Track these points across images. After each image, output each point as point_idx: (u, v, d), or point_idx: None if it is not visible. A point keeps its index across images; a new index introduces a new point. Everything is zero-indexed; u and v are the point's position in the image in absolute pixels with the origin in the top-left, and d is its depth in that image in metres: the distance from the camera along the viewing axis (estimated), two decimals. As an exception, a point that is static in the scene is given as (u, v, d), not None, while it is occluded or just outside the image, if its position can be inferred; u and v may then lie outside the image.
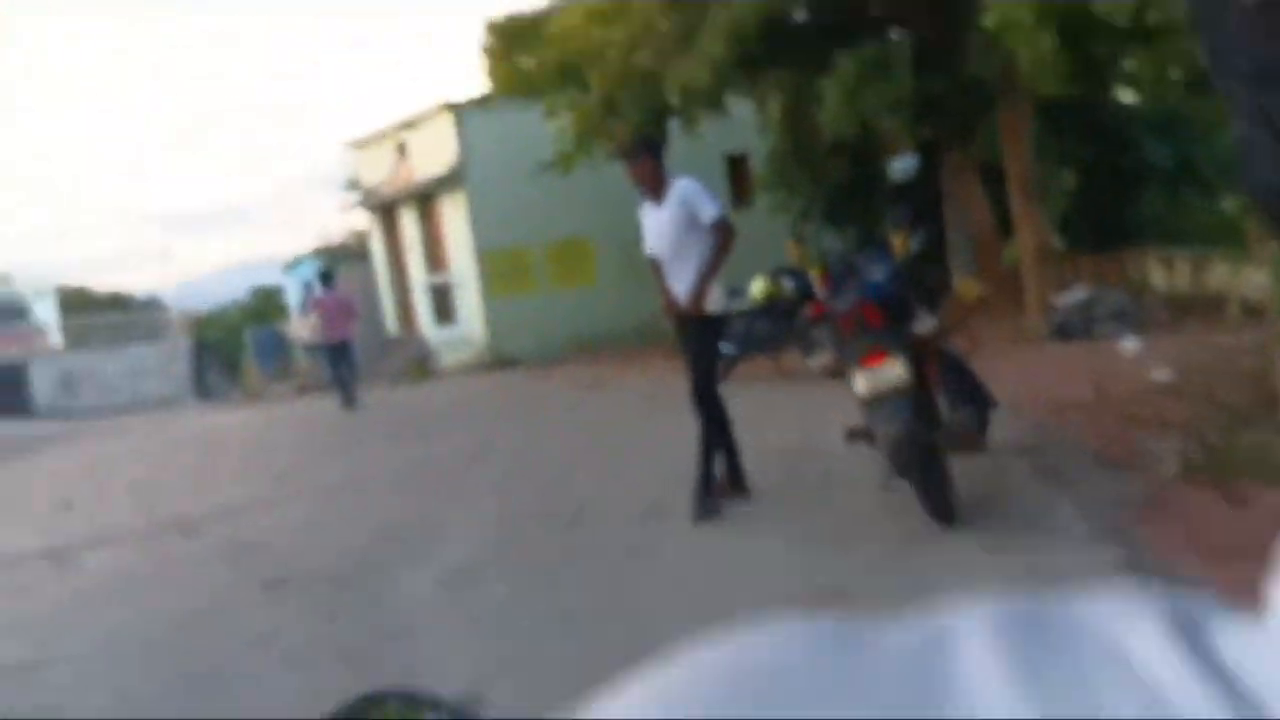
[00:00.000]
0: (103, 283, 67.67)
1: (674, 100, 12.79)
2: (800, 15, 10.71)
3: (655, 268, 6.32)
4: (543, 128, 17.03)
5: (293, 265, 23.68)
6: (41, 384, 32.21)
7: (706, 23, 11.06)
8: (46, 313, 52.56)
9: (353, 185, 24.71)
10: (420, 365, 20.37)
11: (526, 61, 15.90)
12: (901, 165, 5.67)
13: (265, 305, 35.74)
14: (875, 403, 5.03)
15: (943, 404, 5.38)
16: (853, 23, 10.17)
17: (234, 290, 53.66)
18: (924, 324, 5.26)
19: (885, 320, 5.12)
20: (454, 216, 19.59)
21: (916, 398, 4.98)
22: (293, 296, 23.76)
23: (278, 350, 23.00)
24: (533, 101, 18.21)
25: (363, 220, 23.62)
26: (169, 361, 40.45)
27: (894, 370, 4.98)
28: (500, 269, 19.37)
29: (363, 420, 14.38)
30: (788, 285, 11.92)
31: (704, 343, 6.18)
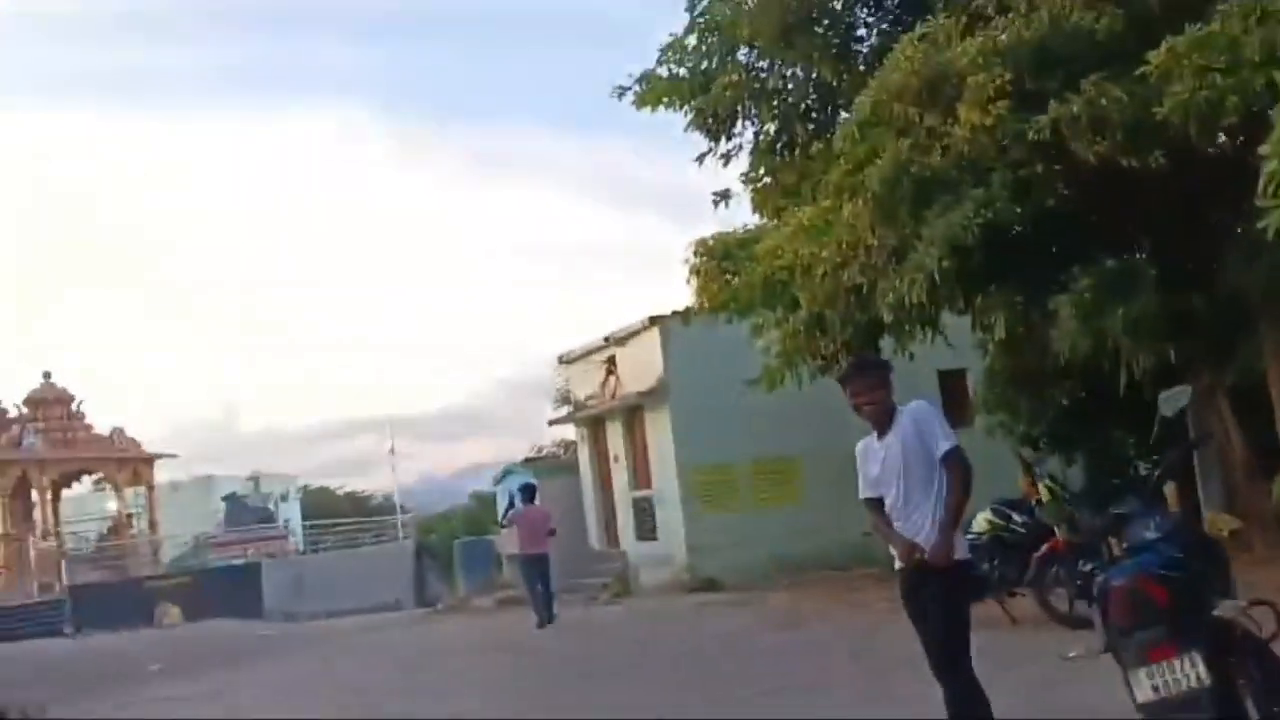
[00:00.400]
0: (345, 483, 70.51)
1: (886, 317, 11.87)
2: (1026, 229, 9.70)
3: (875, 512, 5.32)
4: (748, 343, 16.41)
5: (502, 475, 23.55)
6: (271, 586, 33.02)
7: (924, 235, 10.19)
8: (291, 513, 55.09)
9: (563, 399, 24.79)
10: (621, 582, 19.50)
11: (733, 279, 15.47)
12: (1174, 397, 4.43)
13: (483, 511, 35.89)
14: (1164, 708, 3.77)
15: (1251, 707, 4.03)
16: (1088, 238, 9.10)
17: (461, 493, 54.94)
18: (1226, 605, 3.99)
19: (1174, 600, 3.91)
20: (659, 432, 19.02)
21: (1221, 703, 3.71)
22: (501, 506, 23.51)
23: (484, 560, 22.62)
24: (738, 317, 17.67)
25: (571, 433, 23.40)
26: (395, 565, 41.18)
27: (1192, 669, 3.75)
28: (704, 486, 18.55)
29: (553, 644, 13.47)
30: (1016, 519, 10.56)
31: (954, 601, 5.14)
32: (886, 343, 14.47)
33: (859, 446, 5.44)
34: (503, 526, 17.24)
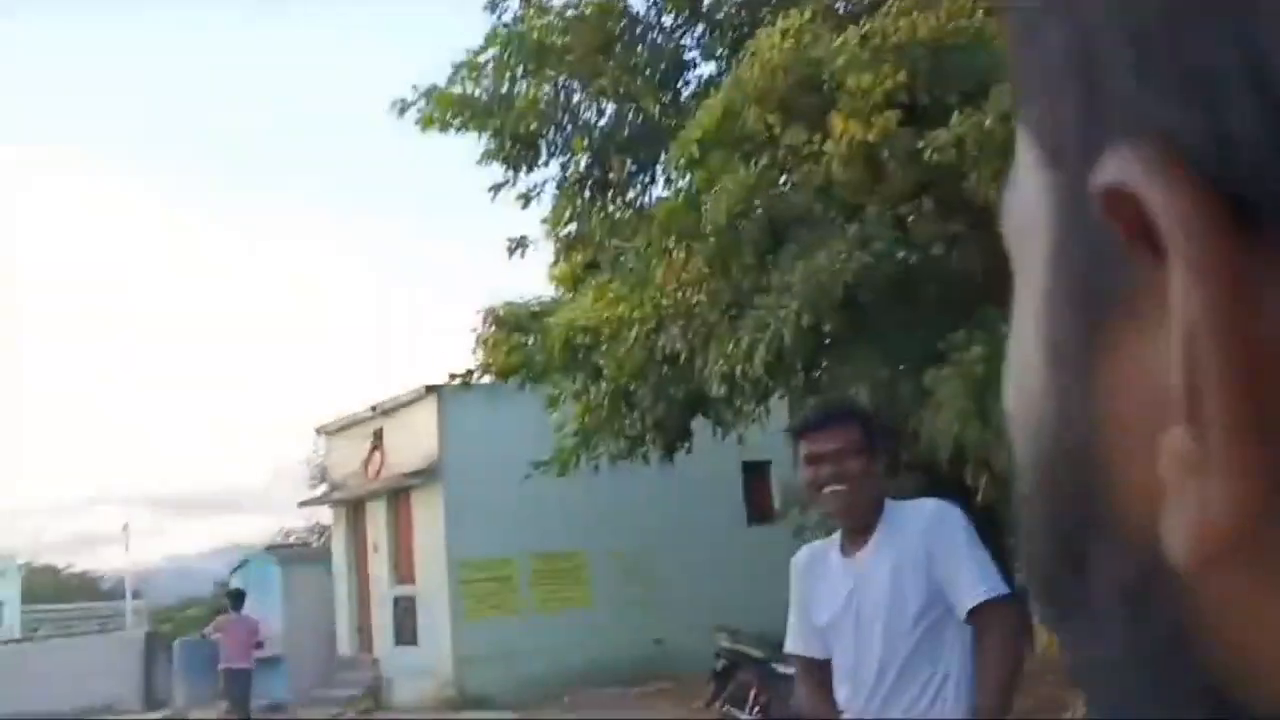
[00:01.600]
0: (73, 562, 62.89)
1: (714, 389, 9.50)
2: (906, 279, 7.49)
3: (807, 682, 2.90)
4: (536, 421, 13.81)
5: (239, 564, 19.81)
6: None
7: (774, 284, 7.88)
8: (8, 593, 47.82)
9: (319, 476, 21.40)
10: (372, 696, 16.18)
11: (526, 347, 12.95)
12: None
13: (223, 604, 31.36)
14: None
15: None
16: (984, 295, 6.93)
17: (211, 578, 49.08)
18: None
19: None
20: (428, 518, 16.01)
21: None
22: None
23: (210, 665, 18.71)
24: (531, 384, 15.02)
25: (328, 516, 19.99)
26: (120, 659, 35.56)
27: None
28: (476, 583, 15.58)
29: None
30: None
31: None
32: (701, 424, 12.19)
33: (799, 557, 2.91)
34: (204, 635, 15.01)
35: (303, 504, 20.55)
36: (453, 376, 13.61)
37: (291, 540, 25.88)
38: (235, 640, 13.86)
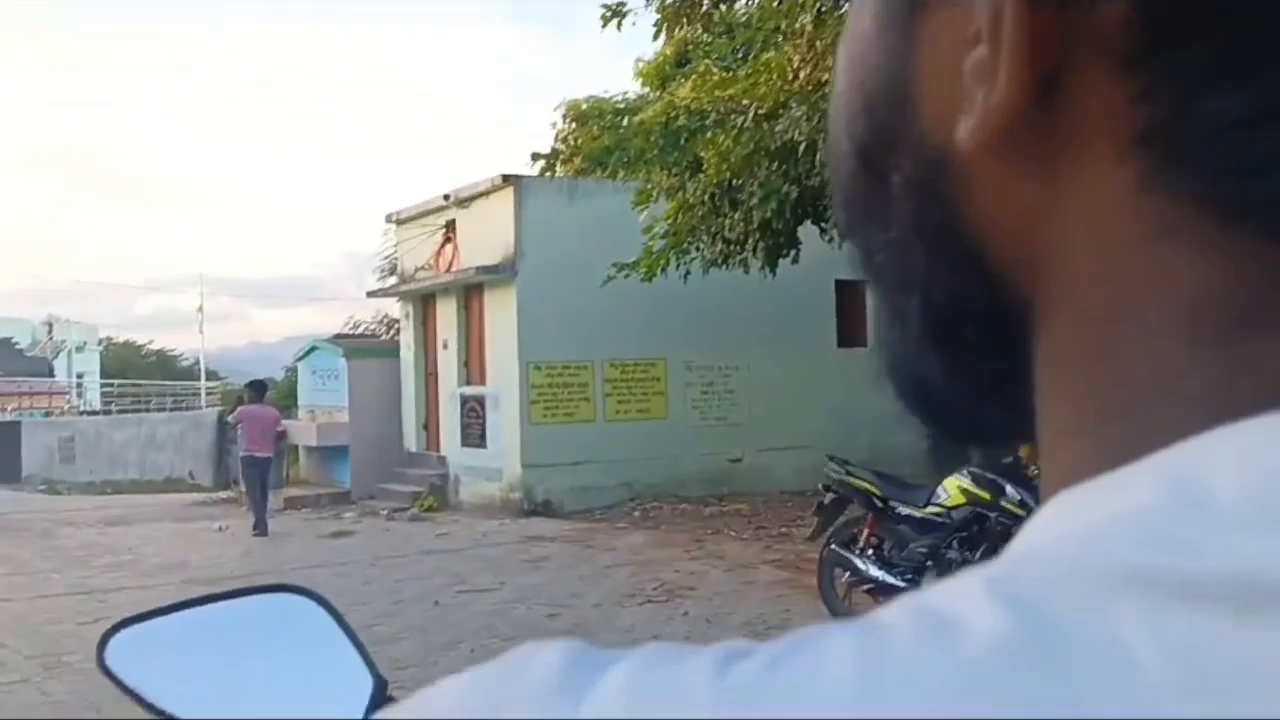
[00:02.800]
0: (153, 339, 63.91)
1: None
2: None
3: None
4: (619, 218, 12.52)
5: (305, 351, 19.08)
6: (34, 448, 27.71)
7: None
8: (88, 366, 48.62)
9: (389, 268, 20.39)
10: (436, 494, 15.52)
11: (620, 130, 11.52)
12: None
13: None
14: None
15: None
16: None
17: (281, 366, 49.37)
18: None
19: None
20: (501, 317, 14.94)
21: None
22: (304, 385, 19.13)
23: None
24: (611, 185, 13.67)
25: (396, 308, 19.08)
26: (194, 435, 35.81)
27: None
28: (549, 389, 14.62)
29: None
30: (1009, 494, 7.05)
31: None
32: (809, 230, 10.78)
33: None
34: (227, 423, 14.77)
35: (371, 294, 19.62)
36: (535, 157, 12.30)
37: (359, 331, 25.15)
38: (255, 429, 13.84)
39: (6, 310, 52.22)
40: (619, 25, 11.16)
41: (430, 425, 16.84)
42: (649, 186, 11.49)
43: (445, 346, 16.31)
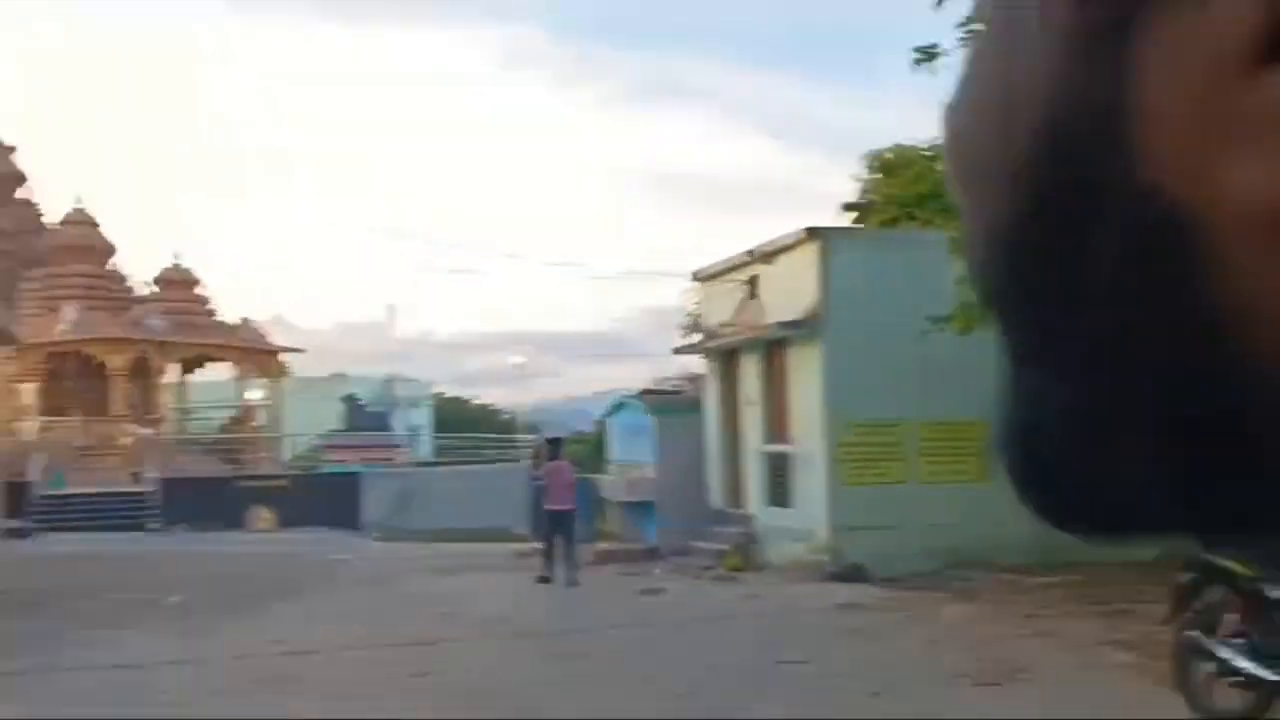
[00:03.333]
0: (478, 394, 68.14)
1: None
2: None
3: None
4: (931, 269, 11.88)
5: (613, 408, 19.50)
6: (372, 497, 29.98)
7: None
8: (422, 420, 52.55)
9: (692, 325, 20.55)
10: (741, 553, 15.27)
11: (935, 175, 10.99)
12: None
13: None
14: None
15: None
16: None
17: (592, 420, 51.32)
18: None
19: None
20: (806, 373, 14.58)
21: None
22: (614, 440, 19.53)
23: (585, 503, 18.66)
24: (918, 236, 13.06)
25: (700, 365, 19.15)
26: (514, 486, 37.66)
27: None
28: (859, 448, 14.06)
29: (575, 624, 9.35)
30: None
31: None
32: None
33: None
34: (535, 480, 15.43)
35: (676, 351, 19.84)
36: (847, 207, 11.91)
37: (665, 387, 25.50)
38: (558, 485, 14.46)
39: (355, 369, 57.32)
40: (931, 64, 10.67)
41: (735, 483, 16.65)
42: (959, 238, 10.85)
43: (749, 403, 16.12)
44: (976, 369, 13.59)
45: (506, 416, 64.15)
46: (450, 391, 66.14)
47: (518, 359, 48.23)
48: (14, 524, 20.88)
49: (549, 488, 14.55)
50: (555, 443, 15.40)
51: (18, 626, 10.90)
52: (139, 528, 25.73)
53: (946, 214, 10.92)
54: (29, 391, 35.10)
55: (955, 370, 13.51)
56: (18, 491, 22.54)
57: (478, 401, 67.87)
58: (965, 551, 13.59)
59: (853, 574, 13.37)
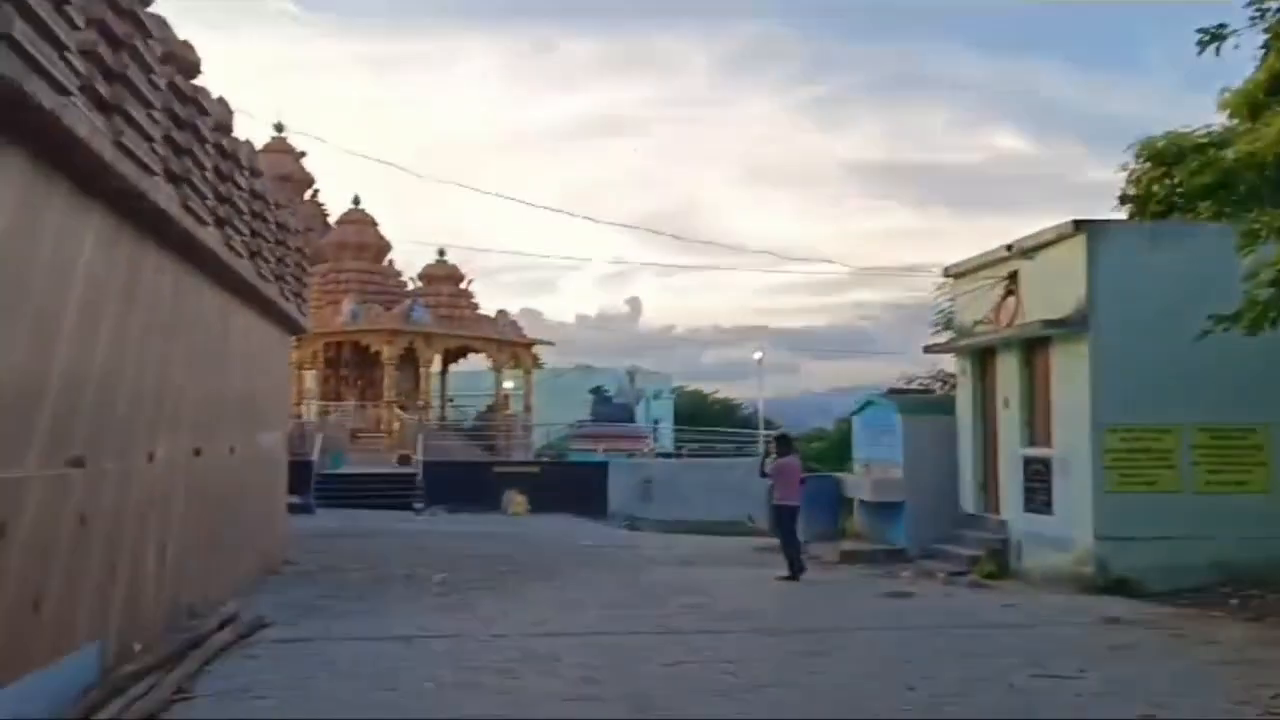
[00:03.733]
0: (718, 389, 68.52)
1: None
2: None
3: None
4: (1212, 264, 11.02)
5: (861, 406, 19.05)
6: (618, 487, 30.64)
7: None
8: (663, 412, 53.43)
9: (944, 322, 19.82)
10: (995, 560, 14.63)
11: (1224, 163, 10.10)
12: None
13: (844, 441, 31.18)
14: None
15: None
16: None
17: (835, 414, 50.50)
18: None
19: None
20: (1069, 374, 13.81)
21: None
22: (858, 439, 19.09)
23: (828, 501, 18.34)
24: (1207, 228, 12.12)
25: (951, 364, 18.47)
26: (752, 481, 37.54)
27: None
28: (1127, 454, 13.18)
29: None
30: None
31: None
32: None
33: None
34: (765, 475, 15.29)
35: (926, 350, 19.19)
36: (1123, 200, 11.16)
37: (914, 385, 24.80)
38: (786, 480, 14.72)
39: (601, 361, 58.96)
40: (1218, 50, 9.84)
41: (989, 486, 15.98)
42: (1256, 227, 9.93)
43: (1006, 405, 15.41)
44: (1257, 370, 12.56)
45: (746, 411, 64.23)
46: (690, 385, 66.91)
47: (757, 354, 48.10)
48: (297, 500, 22.57)
49: (777, 483, 14.80)
50: (784, 440, 15.62)
51: (299, 596, 11.79)
52: (405, 507, 27.35)
53: (1238, 205, 10.03)
54: (310, 377, 38.18)
55: (1233, 371, 12.54)
56: (301, 470, 24.40)
57: (717, 395, 68.26)
58: (1243, 567, 12.55)
59: (1118, 587, 12.59)
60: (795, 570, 14.26)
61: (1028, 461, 14.60)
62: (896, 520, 17.01)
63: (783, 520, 14.76)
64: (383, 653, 8.58)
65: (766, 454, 16.02)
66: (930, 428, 16.96)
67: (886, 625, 10.65)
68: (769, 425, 48.70)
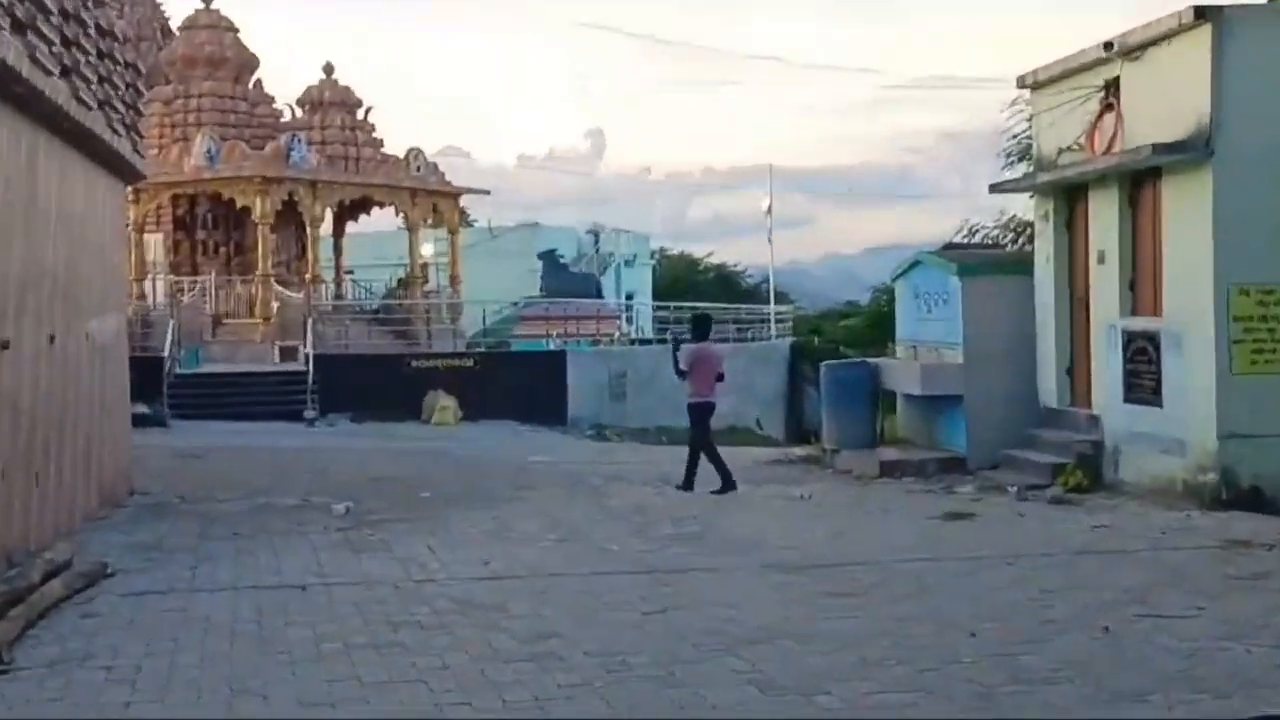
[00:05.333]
0: (714, 251, 68.81)
1: None
2: None
3: None
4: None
5: (907, 266, 19.12)
6: (579, 385, 30.90)
7: None
8: (638, 284, 53.58)
9: (1019, 152, 19.83)
10: (1085, 468, 14.96)
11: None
12: None
13: (887, 315, 31.29)
14: None
15: None
16: None
17: (872, 282, 50.70)
18: None
19: None
20: (1187, 217, 13.93)
21: None
22: (905, 309, 19.23)
23: (861, 396, 18.52)
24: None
25: (1028, 208, 18.56)
26: (761, 373, 37.96)
27: None
28: (1262, 323, 13.39)
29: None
30: None
31: None
32: None
33: None
34: (680, 373, 16.04)
35: (994, 189, 19.25)
36: (1246, 7, 11.04)
37: (977, 239, 24.95)
38: (702, 372, 15.74)
39: (550, 217, 58.61)
40: None
41: (1078, 372, 16.27)
42: None
43: (1102, 261, 15.61)
44: None
45: (750, 280, 64.60)
46: (675, 247, 66.92)
47: (764, 202, 48.03)
48: (145, 410, 22.58)
49: (691, 377, 15.74)
50: (702, 321, 16.61)
51: (152, 535, 11.90)
52: (293, 416, 27.57)
53: None
54: (155, 243, 37.74)
55: None
56: (148, 370, 24.22)
57: (711, 260, 68.48)
58: None
59: (1249, 500, 12.99)
60: (727, 481, 15.48)
61: (1129, 337, 14.82)
62: (954, 419, 17.28)
63: (696, 421, 15.92)
64: (269, 605, 8.71)
65: (678, 344, 16.87)
66: (999, 295, 17.13)
67: (939, 556, 10.88)
68: (781, 299, 49.03)
